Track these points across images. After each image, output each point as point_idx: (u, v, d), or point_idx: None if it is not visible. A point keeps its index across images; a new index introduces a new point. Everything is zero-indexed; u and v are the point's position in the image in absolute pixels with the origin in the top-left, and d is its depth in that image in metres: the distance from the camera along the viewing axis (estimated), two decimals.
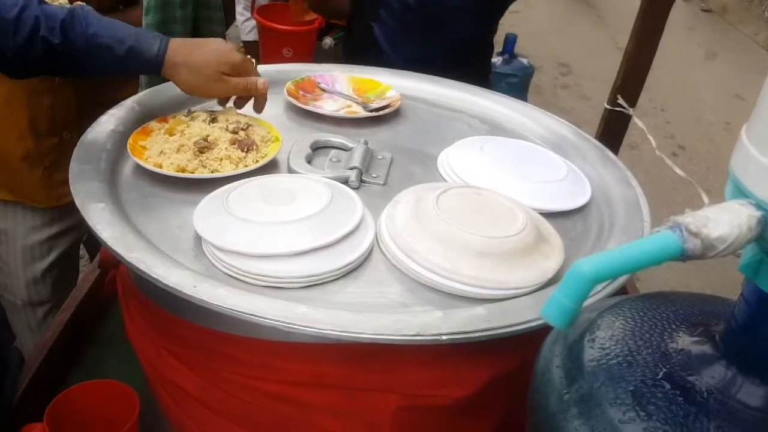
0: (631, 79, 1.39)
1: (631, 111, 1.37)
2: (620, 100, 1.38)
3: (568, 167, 0.97)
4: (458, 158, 0.97)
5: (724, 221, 0.42)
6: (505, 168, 0.94)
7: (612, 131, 1.44)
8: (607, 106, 1.43)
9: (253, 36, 3.56)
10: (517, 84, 2.85)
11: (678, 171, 1.22)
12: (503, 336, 0.66)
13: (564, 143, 1.08)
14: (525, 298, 0.72)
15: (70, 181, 0.81)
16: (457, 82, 1.22)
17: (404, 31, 1.48)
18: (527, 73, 2.95)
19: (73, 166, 0.84)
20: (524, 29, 3.78)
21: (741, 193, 0.44)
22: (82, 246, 1.79)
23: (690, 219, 0.42)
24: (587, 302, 0.61)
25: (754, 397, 0.47)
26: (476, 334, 0.65)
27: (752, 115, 0.44)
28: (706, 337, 0.52)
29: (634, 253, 0.43)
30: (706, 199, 1.13)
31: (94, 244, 1.77)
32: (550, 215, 0.88)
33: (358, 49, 1.46)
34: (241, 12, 3.63)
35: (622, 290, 0.76)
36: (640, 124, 1.32)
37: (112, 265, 0.95)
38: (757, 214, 0.43)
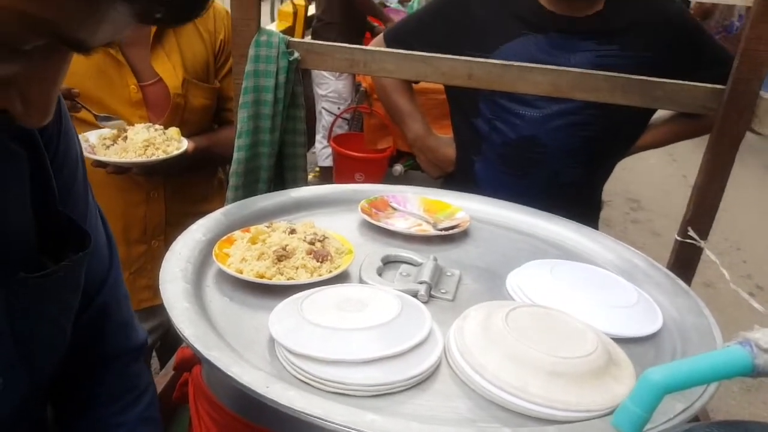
0: (702, 212, 1.39)
1: (702, 243, 1.36)
2: (691, 232, 1.37)
3: (639, 294, 0.97)
4: (527, 278, 0.98)
5: None
6: (575, 291, 0.94)
7: (683, 263, 1.43)
8: (678, 238, 1.42)
9: (328, 162, 3.82)
10: None
11: (756, 305, 1.19)
12: None
13: (635, 271, 1.08)
14: (596, 421, 0.70)
15: (159, 281, 0.87)
16: (526, 207, 1.26)
17: (503, 166, 1.49)
18: None
19: (164, 268, 0.90)
20: None
21: None
22: (154, 353, 1.85)
23: (760, 335, 0.42)
24: (663, 427, 0.59)
25: None
26: None
27: None
28: None
29: (704, 365, 0.43)
30: None
31: (165, 352, 1.83)
32: (620, 341, 0.87)
33: (457, 186, 1.47)
34: (320, 140, 3.95)
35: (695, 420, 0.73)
36: (712, 256, 1.30)
37: (186, 367, 0.99)
38: None
